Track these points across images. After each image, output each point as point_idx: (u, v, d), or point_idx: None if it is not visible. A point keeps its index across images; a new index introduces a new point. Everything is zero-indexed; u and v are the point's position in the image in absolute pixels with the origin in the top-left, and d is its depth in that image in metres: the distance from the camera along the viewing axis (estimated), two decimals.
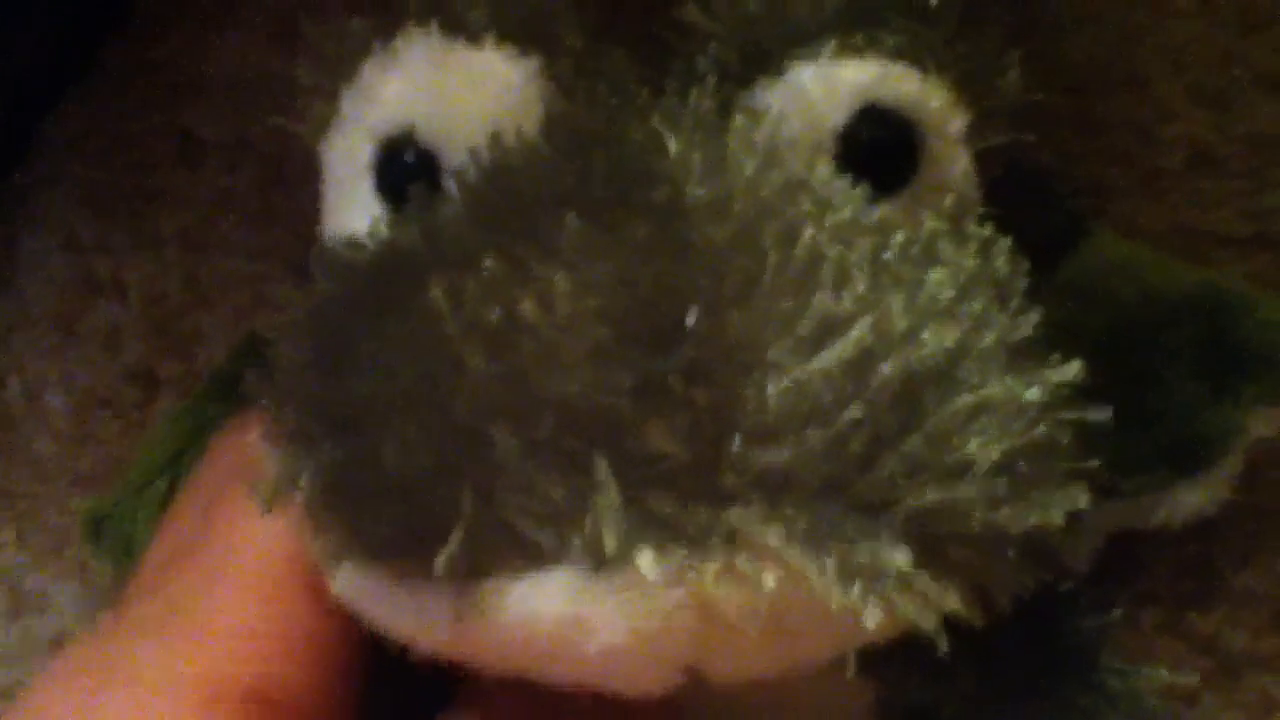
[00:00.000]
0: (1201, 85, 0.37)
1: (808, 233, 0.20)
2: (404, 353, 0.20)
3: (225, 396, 0.32)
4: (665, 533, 0.19)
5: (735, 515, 0.19)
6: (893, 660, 0.21)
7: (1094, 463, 0.21)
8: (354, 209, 0.25)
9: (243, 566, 0.23)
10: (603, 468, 0.19)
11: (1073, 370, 0.21)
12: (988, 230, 0.23)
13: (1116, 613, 0.27)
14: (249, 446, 0.25)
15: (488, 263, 0.20)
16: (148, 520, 0.31)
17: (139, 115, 0.41)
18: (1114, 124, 0.37)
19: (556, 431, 0.19)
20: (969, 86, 0.25)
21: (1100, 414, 0.21)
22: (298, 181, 0.39)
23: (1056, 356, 0.21)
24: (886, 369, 0.19)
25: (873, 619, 0.19)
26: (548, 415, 0.19)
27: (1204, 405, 0.28)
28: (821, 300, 0.19)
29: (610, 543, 0.18)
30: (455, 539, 0.19)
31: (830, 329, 0.19)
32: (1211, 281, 0.30)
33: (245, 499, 0.23)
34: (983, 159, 0.26)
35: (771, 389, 0.19)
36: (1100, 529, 0.30)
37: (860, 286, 0.20)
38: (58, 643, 0.36)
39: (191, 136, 0.40)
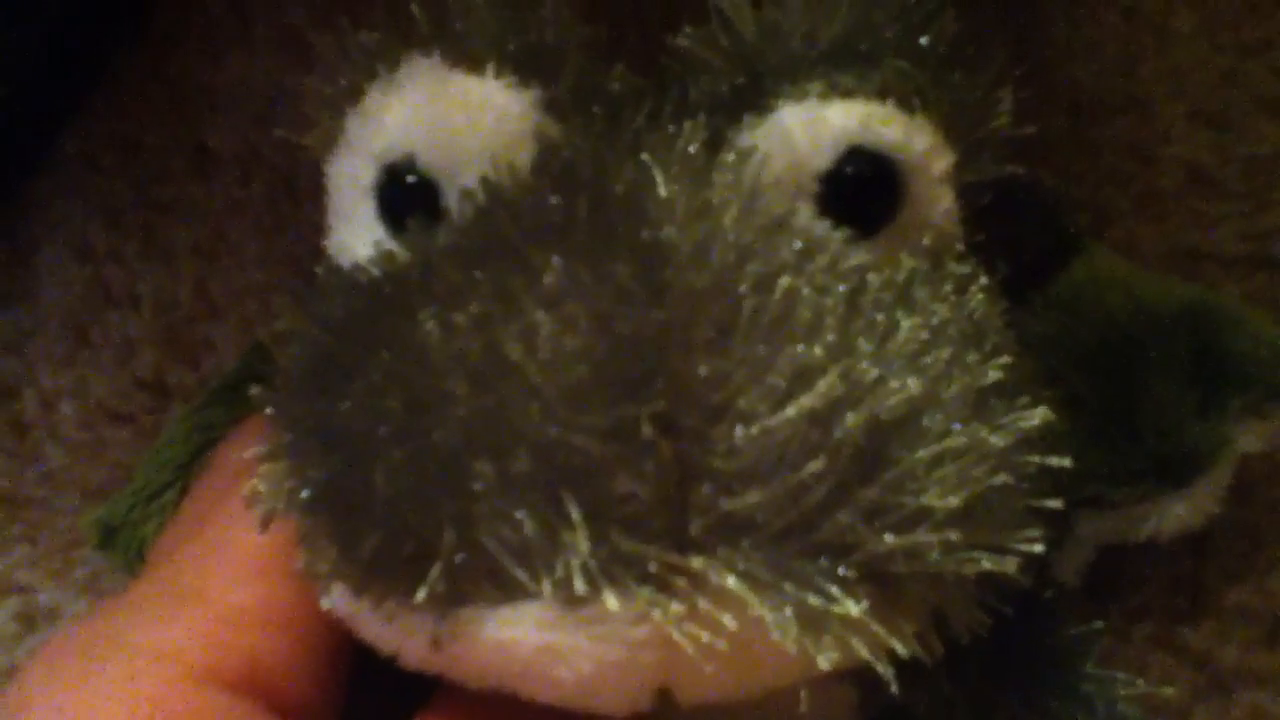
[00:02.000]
0: (1201, 107, 0.38)
1: (784, 279, 0.21)
2: (394, 379, 0.21)
3: (231, 403, 0.33)
4: (631, 572, 0.19)
5: (699, 559, 0.20)
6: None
7: (1055, 503, 0.22)
8: (356, 229, 0.26)
9: (235, 551, 0.24)
10: (574, 508, 0.19)
11: (1038, 416, 0.22)
12: (967, 267, 0.24)
13: (1098, 623, 0.27)
14: (248, 455, 0.26)
15: (477, 298, 0.21)
16: (159, 528, 0.31)
17: (153, 127, 0.41)
18: (1113, 146, 0.38)
19: (533, 468, 0.20)
20: (957, 123, 0.26)
21: (1060, 462, 0.22)
22: (308, 193, 0.40)
23: (1025, 400, 0.22)
24: (851, 419, 0.20)
25: (827, 662, 0.20)
26: (525, 452, 0.20)
27: (1192, 418, 0.29)
28: (793, 349, 0.20)
29: (579, 585, 0.19)
30: (436, 570, 0.20)
31: (800, 378, 0.20)
32: (1201, 296, 0.30)
33: (240, 492, 0.24)
34: (970, 190, 0.26)
35: (739, 437, 0.20)
36: (1089, 541, 0.30)
37: (832, 335, 0.21)
38: None
39: (204, 149, 0.41)
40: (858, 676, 0.24)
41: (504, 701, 0.22)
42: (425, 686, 0.24)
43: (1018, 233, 0.30)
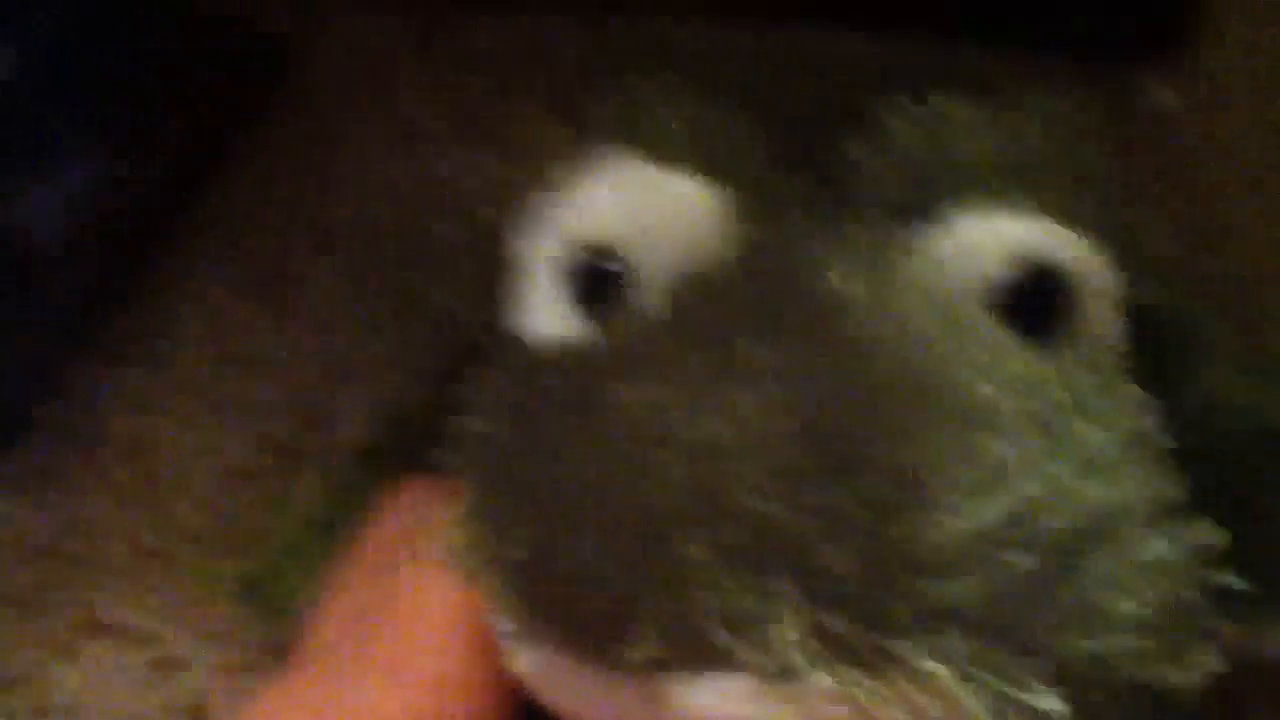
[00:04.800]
0: None
1: (978, 382, 0.22)
2: (602, 452, 0.22)
3: (369, 468, 0.34)
4: (840, 652, 0.20)
5: (905, 643, 0.20)
6: None
7: (1225, 624, 0.22)
8: (546, 307, 0.27)
9: (435, 622, 0.25)
10: (786, 583, 0.20)
11: (1215, 534, 0.22)
12: (1139, 391, 0.24)
13: None
14: (416, 516, 0.27)
15: (683, 379, 0.22)
16: (299, 585, 0.32)
17: (275, 208, 0.44)
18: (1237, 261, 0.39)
19: (745, 541, 0.20)
20: (1123, 246, 0.27)
21: (1239, 583, 0.23)
22: (429, 267, 0.42)
23: (1202, 520, 0.23)
24: (1054, 523, 0.21)
25: None
26: (736, 525, 0.21)
27: None
28: (994, 449, 0.21)
29: (795, 660, 0.20)
30: (649, 634, 0.21)
31: (1001, 477, 0.21)
32: None
33: (426, 562, 0.25)
34: (1135, 315, 0.27)
35: (947, 529, 0.20)
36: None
37: (1027, 439, 0.21)
38: (199, 708, 0.37)
39: (324, 228, 0.43)
40: None
41: None
42: None
43: (1147, 344, 0.31)
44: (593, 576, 0.21)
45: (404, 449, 0.35)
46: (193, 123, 0.45)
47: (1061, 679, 0.20)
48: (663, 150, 0.27)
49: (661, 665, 0.21)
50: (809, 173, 0.27)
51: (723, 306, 0.24)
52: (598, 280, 0.26)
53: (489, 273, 0.30)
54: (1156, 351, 0.27)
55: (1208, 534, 0.22)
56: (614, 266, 0.26)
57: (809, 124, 0.28)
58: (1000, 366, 0.22)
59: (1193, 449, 0.29)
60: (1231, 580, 0.22)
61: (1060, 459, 0.21)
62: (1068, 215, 0.26)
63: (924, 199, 0.26)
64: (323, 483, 0.36)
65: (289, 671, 0.26)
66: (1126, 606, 0.21)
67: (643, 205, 0.26)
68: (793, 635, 0.20)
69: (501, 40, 0.44)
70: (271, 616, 0.34)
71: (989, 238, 0.26)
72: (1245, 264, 0.40)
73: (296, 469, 0.40)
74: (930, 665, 0.20)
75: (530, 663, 0.23)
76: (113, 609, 0.38)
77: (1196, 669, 0.22)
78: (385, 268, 0.43)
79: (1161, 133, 0.42)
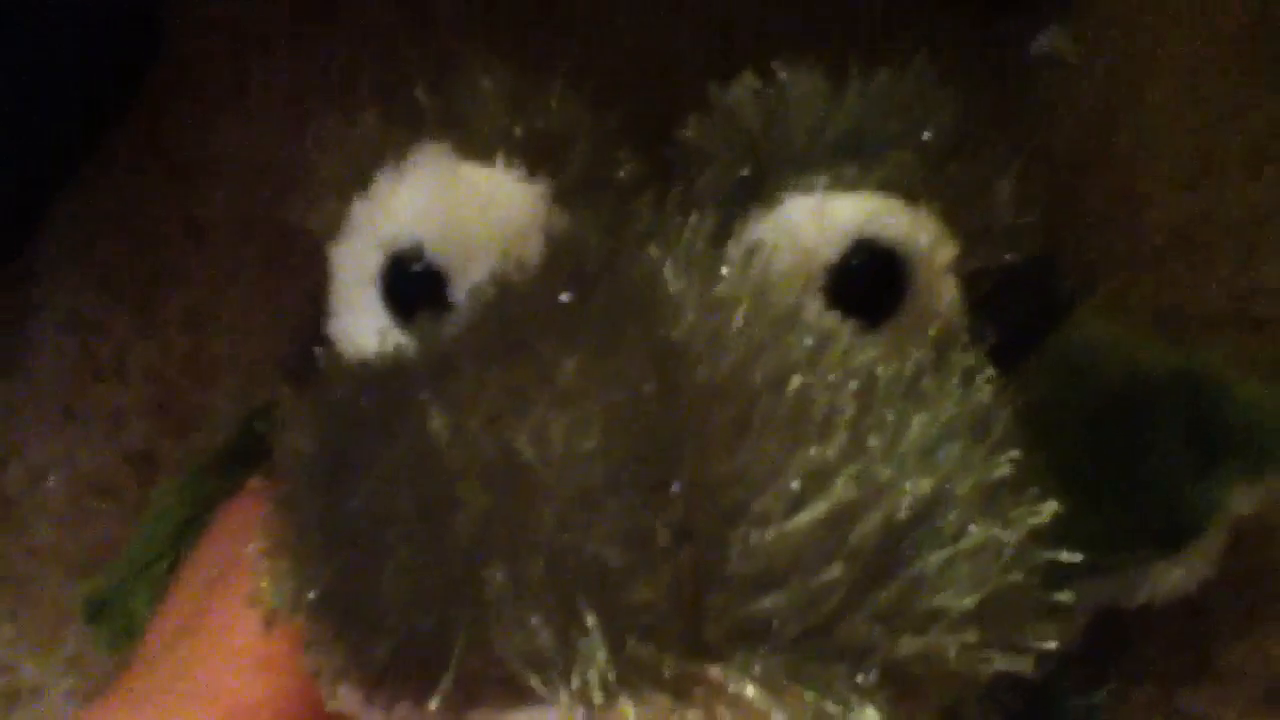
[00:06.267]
0: (1180, 170, 0.38)
1: (796, 378, 0.21)
2: (404, 479, 0.21)
3: (223, 475, 0.32)
4: (648, 680, 0.19)
5: (715, 666, 0.19)
6: None
7: (1066, 596, 0.21)
8: (360, 314, 0.26)
9: (240, 643, 0.24)
10: (590, 615, 0.19)
11: (1048, 511, 0.21)
12: (971, 357, 0.23)
13: (1106, 689, 0.27)
14: (248, 529, 0.25)
15: (488, 397, 0.21)
16: (149, 601, 0.31)
17: (146, 196, 0.41)
18: (1097, 207, 0.38)
19: (547, 573, 0.19)
20: (959, 214, 0.26)
21: (1072, 557, 0.21)
22: (301, 261, 0.39)
23: (1033, 493, 0.22)
24: (866, 523, 0.20)
25: None
26: (539, 557, 0.20)
27: (1186, 482, 0.28)
28: (806, 451, 0.20)
29: (597, 695, 0.19)
30: (449, 676, 0.20)
31: (815, 481, 0.20)
32: (1192, 360, 0.30)
33: (243, 582, 0.23)
34: (974, 277, 0.26)
35: (755, 541, 0.19)
36: (1086, 606, 0.30)
37: (844, 435, 0.20)
38: None
39: (197, 217, 0.41)
40: None
41: None
42: None
43: (1009, 298, 0.30)
44: (392, 616, 0.20)
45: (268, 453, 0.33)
46: (59, 111, 0.42)
47: (887, 682, 0.19)
48: (478, 139, 0.25)
49: (468, 703, 0.20)
50: (647, 157, 0.26)
51: (531, 312, 0.22)
52: (411, 285, 0.25)
53: None
54: (1011, 310, 0.26)
55: (1042, 510, 0.21)
56: (419, 269, 0.25)
57: (641, 101, 0.26)
58: (822, 358, 0.21)
59: (1060, 397, 0.28)
60: (1066, 556, 0.21)
61: (877, 452, 0.20)
62: (906, 187, 0.25)
63: (760, 180, 0.25)
64: (176, 489, 0.34)
65: (107, 693, 0.25)
66: (948, 600, 0.20)
67: (451, 204, 0.25)
68: (597, 668, 0.19)
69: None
70: (120, 637, 0.32)
71: (818, 220, 0.24)
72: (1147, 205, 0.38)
73: (155, 479, 0.38)
74: (743, 688, 0.19)
75: (343, 702, 0.22)
76: None
77: (1033, 652, 0.21)
78: (258, 261, 0.41)
79: (1059, 80, 0.41)
